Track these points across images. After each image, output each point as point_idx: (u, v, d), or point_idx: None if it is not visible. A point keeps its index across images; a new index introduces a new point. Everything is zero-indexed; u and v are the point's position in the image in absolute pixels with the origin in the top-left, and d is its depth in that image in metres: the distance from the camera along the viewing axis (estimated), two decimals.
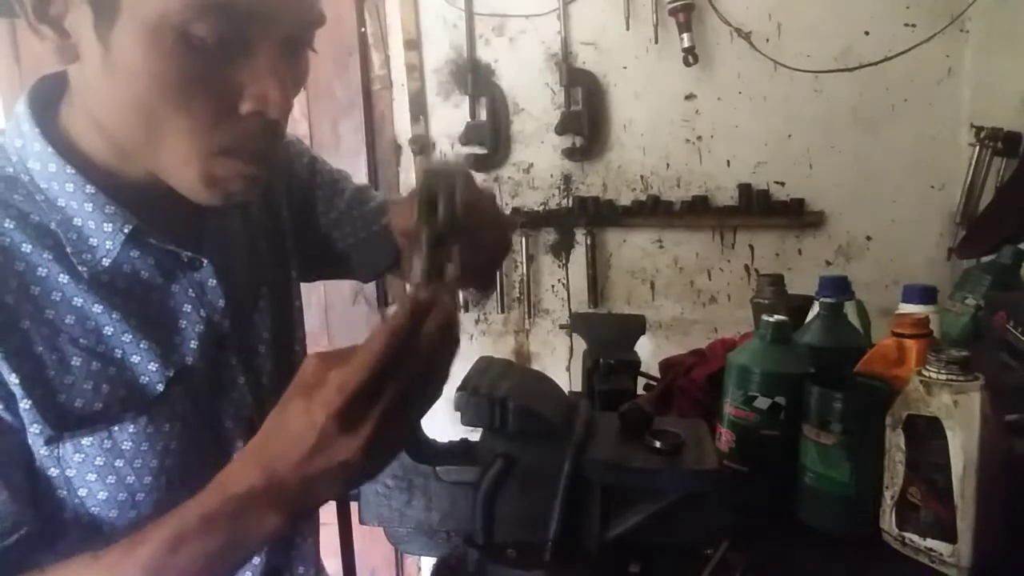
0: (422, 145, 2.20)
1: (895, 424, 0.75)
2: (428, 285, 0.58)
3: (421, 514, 0.70)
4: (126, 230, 0.65)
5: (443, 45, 2.15)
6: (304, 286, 0.92)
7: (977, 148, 1.87)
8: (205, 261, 0.71)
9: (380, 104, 2.23)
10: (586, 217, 2.14)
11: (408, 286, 0.54)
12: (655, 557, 0.67)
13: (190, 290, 0.71)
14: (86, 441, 0.63)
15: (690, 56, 1.96)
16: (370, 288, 2.27)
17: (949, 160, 1.99)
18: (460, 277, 0.60)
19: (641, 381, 1.20)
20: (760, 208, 2.07)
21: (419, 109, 2.19)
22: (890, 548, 0.77)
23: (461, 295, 2.18)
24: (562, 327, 2.24)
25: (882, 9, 1.96)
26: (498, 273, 2.19)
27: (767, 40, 2.01)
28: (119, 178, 0.66)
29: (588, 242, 2.16)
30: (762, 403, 0.84)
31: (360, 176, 2.22)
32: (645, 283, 2.20)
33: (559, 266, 2.22)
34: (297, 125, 2.19)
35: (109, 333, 0.65)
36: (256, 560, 0.78)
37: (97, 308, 0.64)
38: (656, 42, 2.03)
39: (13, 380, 0.59)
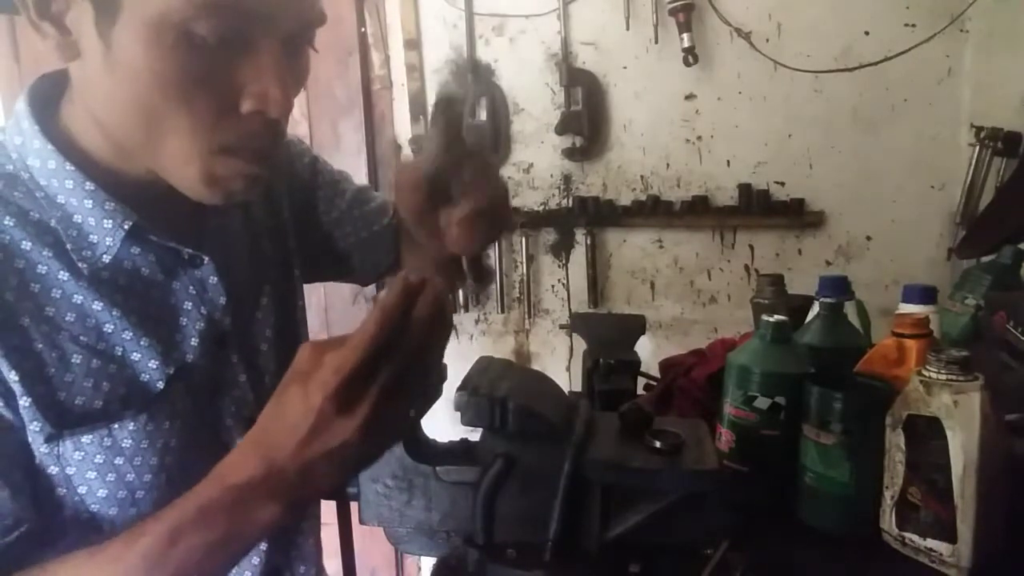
0: (422, 145, 2.19)
1: (895, 424, 0.75)
2: (447, 157, 0.59)
3: (421, 514, 0.70)
4: (126, 226, 0.65)
5: (443, 45, 2.14)
6: (305, 287, 0.92)
7: (977, 148, 1.87)
8: (206, 258, 0.71)
9: (380, 104, 2.23)
10: (586, 217, 2.14)
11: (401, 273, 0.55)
12: (655, 557, 0.67)
13: (191, 287, 0.71)
14: (86, 439, 0.63)
15: (690, 56, 1.96)
16: (370, 288, 2.27)
17: (949, 160, 1.99)
18: (468, 214, 0.60)
19: (641, 381, 1.20)
20: (760, 208, 2.07)
21: (419, 109, 2.19)
22: (890, 548, 0.77)
23: (460, 292, 2.18)
24: (562, 327, 2.24)
25: (882, 9, 1.96)
26: (495, 271, 2.19)
27: (767, 40, 2.01)
28: (119, 175, 0.66)
29: (588, 242, 2.16)
30: (762, 403, 0.84)
31: (360, 176, 2.22)
32: (645, 283, 2.20)
33: (559, 266, 2.22)
34: (297, 125, 2.19)
35: (109, 330, 0.65)
36: (256, 560, 0.78)
37: (97, 305, 0.64)
38: (656, 42, 2.03)
39: (13, 378, 0.59)
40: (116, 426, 0.64)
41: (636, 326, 1.28)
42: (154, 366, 0.67)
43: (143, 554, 0.55)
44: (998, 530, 0.72)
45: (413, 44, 2.15)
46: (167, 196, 0.65)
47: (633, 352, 1.17)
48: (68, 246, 0.63)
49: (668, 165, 2.13)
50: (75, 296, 0.64)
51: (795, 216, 2.08)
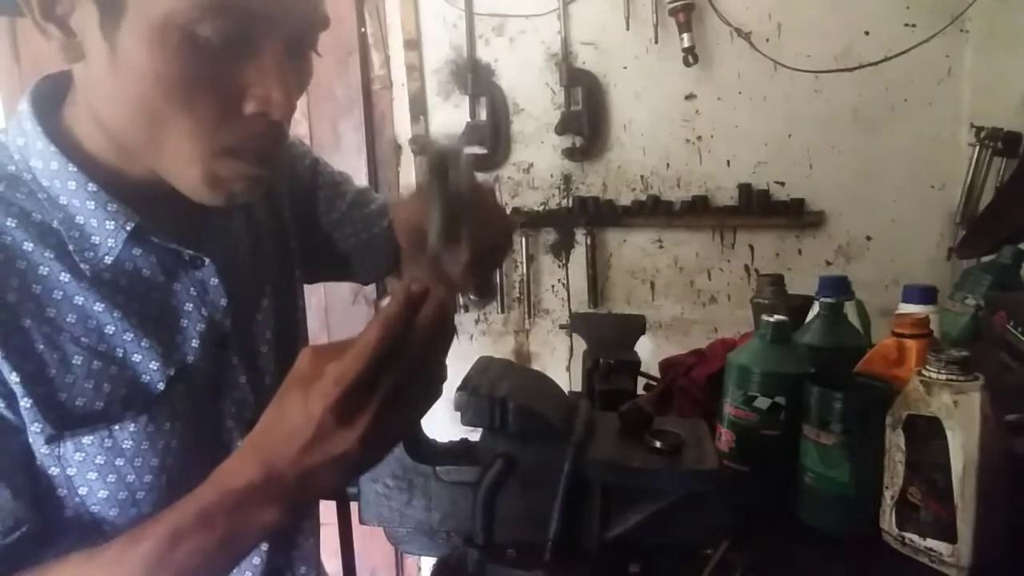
0: (422, 145, 2.20)
1: (895, 424, 0.75)
2: (442, 253, 0.58)
3: (421, 514, 0.70)
4: (128, 228, 0.65)
5: (443, 45, 2.15)
6: (304, 287, 0.92)
7: (977, 148, 1.87)
8: (207, 260, 0.71)
9: (380, 104, 2.23)
10: (586, 217, 2.14)
11: (403, 279, 0.55)
12: (655, 557, 0.67)
13: (192, 289, 0.71)
14: (87, 440, 0.63)
15: (690, 56, 1.96)
16: (370, 288, 2.27)
17: (949, 160, 1.99)
18: (469, 260, 0.60)
19: (641, 381, 1.20)
20: (760, 208, 2.07)
21: (419, 109, 2.19)
22: (890, 548, 0.77)
23: (461, 298, 2.18)
24: (562, 327, 2.24)
25: (882, 9, 1.96)
26: (498, 275, 2.19)
27: (767, 40, 2.01)
28: (122, 177, 0.66)
29: (588, 242, 2.16)
30: (762, 403, 0.84)
31: (360, 176, 2.22)
32: (645, 283, 2.20)
33: (559, 266, 2.22)
34: (297, 125, 2.19)
35: (111, 332, 0.65)
36: (257, 560, 0.78)
37: (99, 307, 0.64)
38: (656, 42, 2.03)
39: (14, 379, 0.59)
40: (117, 427, 0.64)
41: (636, 326, 1.28)
42: (155, 367, 0.67)
43: (143, 557, 0.55)
44: (998, 530, 0.72)
45: (413, 44, 2.15)
46: (169, 197, 0.65)
47: (633, 352, 1.17)
48: (70, 247, 0.64)
49: (668, 165, 2.13)
50: (76, 297, 0.64)
51: (795, 216, 2.08)
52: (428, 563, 1.31)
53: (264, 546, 0.78)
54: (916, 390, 0.73)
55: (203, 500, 0.56)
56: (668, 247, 2.17)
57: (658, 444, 0.66)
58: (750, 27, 2.01)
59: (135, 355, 0.66)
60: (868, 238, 2.09)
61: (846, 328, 1.00)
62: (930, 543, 0.73)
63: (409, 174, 2.25)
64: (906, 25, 1.95)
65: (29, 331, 0.61)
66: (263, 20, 0.57)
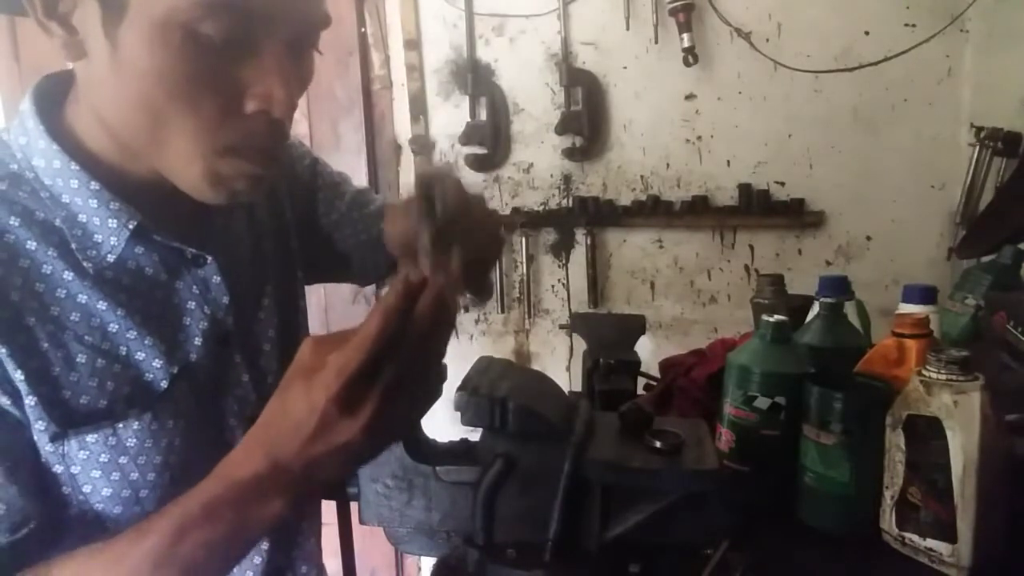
0: (422, 145, 2.20)
1: (895, 424, 0.75)
2: (433, 279, 0.58)
3: (421, 514, 0.70)
4: (131, 226, 0.65)
5: (443, 45, 2.15)
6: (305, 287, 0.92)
7: (977, 148, 1.87)
8: (209, 258, 0.72)
9: (380, 104, 2.23)
10: (586, 217, 2.14)
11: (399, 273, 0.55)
12: (655, 557, 0.67)
13: (194, 287, 0.71)
14: (91, 438, 0.63)
15: (690, 56, 1.97)
16: (370, 288, 2.27)
17: (949, 160, 1.99)
18: (459, 273, 0.60)
19: (641, 381, 1.20)
20: (760, 208, 2.07)
21: (419, 109, 2.19)
22: (890, 548, 0.77)
23: (460, 299, 2.17)
24: (562, 327, 2.24)
25: (882, 9, 1.96)
26: (495, 276, 2.19)
27: (767, 40, 2.01)
28: (124, 175, 0.66)
29: (588, 242, 2.16)
30: (762, 403, 0.84)
31: (360, 176, 2.22)
32: (645, 283, 2.20)
33: (559, 266, 2.22)
34: (297, 125, 2.19)
35: (114, 330, 0.65)
36: (258, 559, 0.78)
37: (102, 305, 0.65)
38: (656, 42, 2.03)
39: (19, 377, 0.60)
40: (121, 425, 0.64)
41: (636, 326, 1.28)
42: (158, 365, 0.67)
43: (149, 551, 0.56)
44: (998, 530, 0.72)
45: (413, 44, 2.15)
46: (171, 196, 0.65)
47: (633, 352, 1.17)
48: (73, 246, 0.64)
49: (668, 165, 2.13)
50: (80, 296, 0.64)
51: (795, 216, 2.08)
52: (428, 563, 1.31)
53: (265, 545, 0.78)
54: (916, 390, 0.73)
55: (209, 493, 0.56)
56: (668, 247, 2.17)
57: (658, 444, 0.66)
58: (750, 27, 2.01)
59: (138, 353, 0.66)
60: (868, 238, 2.09)
61: (846, 328, 1.00)
62: (930, 543, 0.73)
63: (409, 174, 2.25)
64: (906, 25, 1.95)
65: (33, 329, 0.61)
66: (265, 19, 0.57)
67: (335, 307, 2.30)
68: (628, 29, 2.04)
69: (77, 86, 0.66)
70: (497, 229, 0.79)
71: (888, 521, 0.77)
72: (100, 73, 0.60)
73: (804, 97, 2.03)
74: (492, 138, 2.15)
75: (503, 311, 2.26)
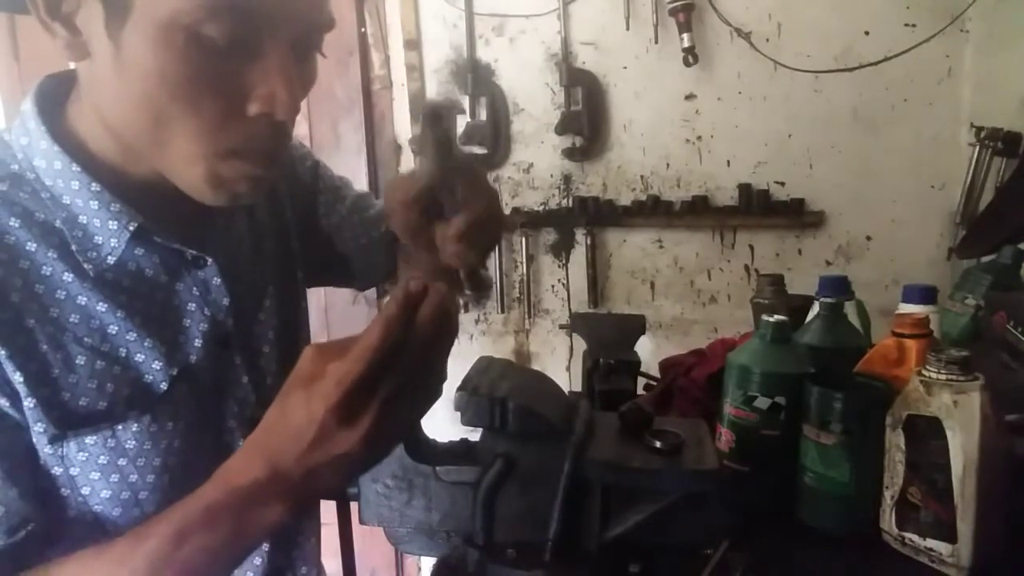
0: (419, 144, 2.19)
1: (895, 424, 0.75)
2: (440, 172, 0.59)
3: (421, 514, 0.70)
4: (131, 228, 0.65)
5: (443, 45, 2.15)
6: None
7: (977, 148, 1.87)
8: (210, 260, 0.71)
9: (380, 104, 2.23)
10: (586, 217, 2.14)
11: (400, 281, 0.55)
12: (655, 557, 0.67)
13: (194, 288, 0.71)
14: (90, 440, 0.63)
15: (690, 56, 1.97)
16: (370, 291, 2.27)
17: (949, 160, 1.99)
18: (467, 222, 0.61)
19: (641, 381, 1.20)
20: (760, 208, 2.07)
21: (419, 109, 2.18)
22: (890, 548, 0.77)
23: (460, 297, 2.18)
24: (562, 327, 2.24)
25: (882, 9, 1.96)
26: (497, 273, 2.19)
27: (767, 40, 2.01)
28: (125, 176, 0.66)
29: (588, 242, 2.16)
30: (762, 403, 0.84)
31: (360, 176, 2.22)
32: (645, 283, 2.20)
33: (559, 266, 2.22)
34: (297, 126, 2.15)
35: (114, 332, 0.65)
36: (258, 560, 0.78)
37: (102, 306, 0.64)
38: (656, 42, 2.03)
39: (18, 379, 0.59)
40: (120, 427, 0.64)
41: (636, 326, 1.28)
42: (158, 367, 0.67)
43: (148, 555, 0.56)
44: (998, 530, 0.72)
45: (413, 44, 2.15)
46: (172, 197, 0.65)
47: (633, 352, 1.17)
48: (73, 247, 0.64)
49: (668, 165, 2.13)
50: (80, 297, 0.64)
51: (795, 216, 2.08)
52: (428, 563, 1.31)
53: (265, 546, 0.78)
54: (916, 390, 0.73)
55: (208, 498, 0.56)
56: (668, 247, 2.17)
57: (658, 444, 0.66)
58: (750, 27, 2.01)
59: (138, 355, 0.66)
60: (868, 238, 2.09)
61: (846, 328, 1.00)
62: (930, 543, 0.73)
63: None
64: (906, 25, 1.95)
65: (33, 331, 0.61)
66: (268, 21, 0.57)
67: (335, 307, 2.30)
68: (628, 29, 2.04)
69: (79, 87, 0.66)
70: (498, 202, 0.78)
71: (888, 521, 0.77)
72: (103, 74, 0.60)
73: (804, 97, 2.03)
74: (492, 138, 2.15)
75: (503, 311, 2.26)
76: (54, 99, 0.67)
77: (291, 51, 0.60)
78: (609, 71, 2.09)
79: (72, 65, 0.65)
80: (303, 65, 0.63)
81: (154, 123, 0.59)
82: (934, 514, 0.72)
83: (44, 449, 0.62)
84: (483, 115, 2.15)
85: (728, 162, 2.10)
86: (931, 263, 2.06)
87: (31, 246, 0.63)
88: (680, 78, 2.05)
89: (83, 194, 0.64)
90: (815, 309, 1.07)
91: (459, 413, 0.64)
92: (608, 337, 1.25)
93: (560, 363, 2.25)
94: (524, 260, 2.21)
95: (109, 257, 0.65)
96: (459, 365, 0.65)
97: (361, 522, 0.72)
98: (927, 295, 1.07)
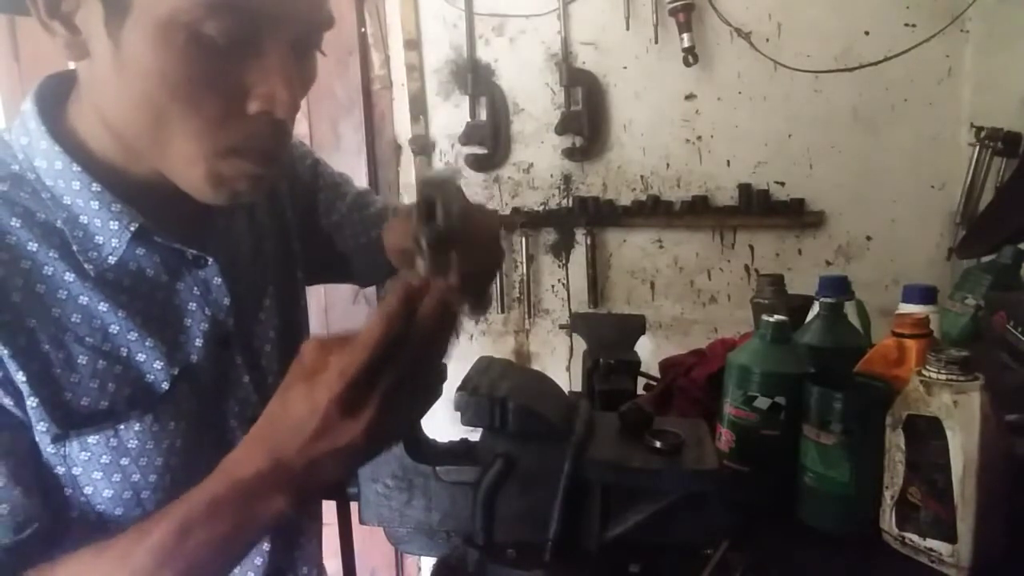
0: (422, 145, 2.20)
1: (895, 424, 0.75)
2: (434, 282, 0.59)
3: (421, 514, 0.70)
4: (132, 228, 0.65)
5: (443, 45, 2.15)
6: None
7: (977, 148, 1.87)
8: (210, 259, 0.72)
9: (380, 104, 2.23)
10: (586, 217, 2.14)
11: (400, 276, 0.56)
12: (655, 557, 0.67)
13: (195, 288, 0.71)
14: (92, 439, 0.63)
15: (690, 56, 1.97)
16: (370, 288, 2.27)
17: (949, 160, 1.99)
18: (460, 282, 0.61)
19: (641, 381, 1.20)
20: (760, 208, 2.07)
21: (419, 109, 2.19)
22: (890, 548, 0.77)
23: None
24: (562, 327, 2.24)
25: (882, 9, 1.96)
26: (494, 284, 2.19)
27: (767, 40, 2.01)
28: (126, 176, 0.66)
29: (588, 242, 2.16)
30: (762, 403, 0.84)
31: (360, 176, 2.22)
32: (645, 283, 2.20)
33: (559, 266, 2.22)
34: (297, 125, 2.15)
35: (115, 331, 0.65)
36: (259, 560, 0.78)
37: (103, 306, 0.65)
38: (656, 42, 2.03)
39: (20, 378, 0.60)
40: (122, 427, 0.64)
41: (636, 326, 1.28)
42: (159, 367, 0.67)
43: (152, 549, 0.56)
44: (998, 530, 0.72)
45: (413, 44, 2.15)
46: (172, 197, 0.65)
47: (633, 352, 1.17)
48: (74, 247, 0.64)
49: (668, 165, 2.13)
50: (81, 297, 0.64)
51: (795, 216, 2.08)
52: (428, 563, 1.31)
53: (266, 546, 0.78)
54: (916, 390, 0.73)
55: (211, 491, 0.56)
56: (668, 247, 2.17)
57: (658, 444, 0.66)
58: (750, 27, 2.01)
59: (139, 354, 0.66)
60: (868, 238, 2.09)
61: (846, 328, 1.00)
62: (930, 543, 0.73)
63: (409, 174, 2.25)
64: (906, 25, 1.95)
65: (34, 331, 0.61)
66: (268, 19, 0.57)
67: (335, 307, 2.30)
68: (628, 29, 2.04)
69: (79, 86, 0.66)
70: (498, 240, 0.79)
71: (888, 521, 0.77)
72: (103, 73, 0.60)
73: (804, 97, 2.03)
74: (492, 138, 2.15)
75: (503, 311, 2.26)
76: (54, 99, 0.67)
77: (291, 50, 0.60)
78: (609, 71, 2.09)
79: (72, 65, 0.65)
80: (303, 64, 0.63)
81: (154, 122, 0.59)
82: (934, 514, 0.72)
83: (47, 448, 0.62)
84: (483, 115, 2.15)
85: (728, 162, 2.10)
86: (931, 263, 2.06)
87: (32, 246, 0.63)
88: (680, 78, 2.05)
89: (84, 194, 0.64)
90: (815, 309, 1.07)
91: (459, 413, 0.65)
92: (608, 337, 1.25)
93: (560, 363, 2.25)
94: (524, 260, 2.21)
95: (110, 257, 0.65)
96: (459, 365, 0.65)
97: (361, 522, 0.73)
98: (927, 295, 1.07)
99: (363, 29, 2.18)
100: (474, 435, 0.70)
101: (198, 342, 0.70)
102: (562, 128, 2.12)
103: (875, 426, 0.77)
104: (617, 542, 0.66)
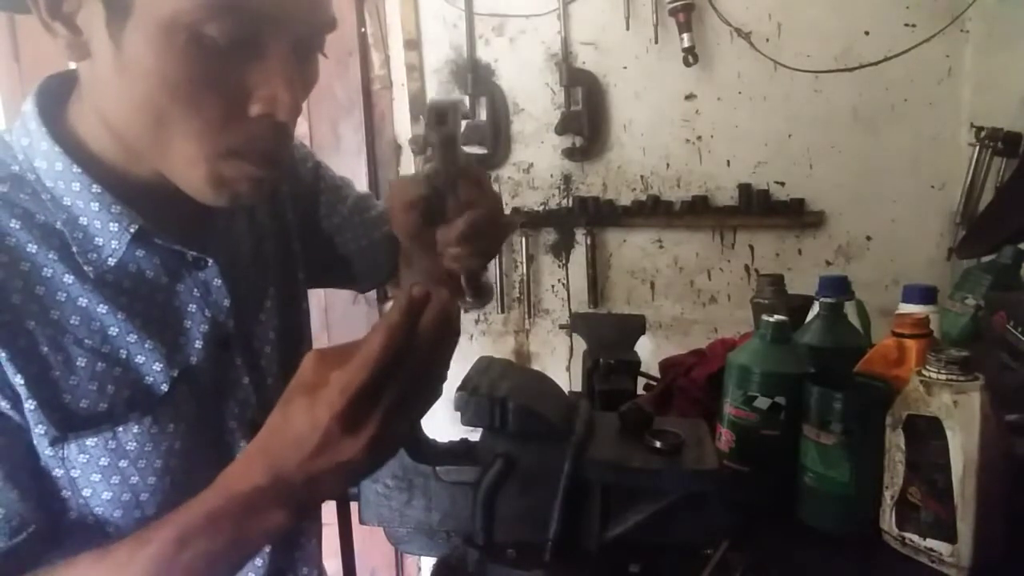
0: (422, 145, 2.19)
1: (895, 424, 0.75)
2: (443, 172, 0.59)
3: (421, 514, 0.70)
4: (132, 229, 0.65)
5: (443, 45, 2.15)
6: None
7: (977, 148, 1.87)
8: (210, 261, 0.71)
9: (380, 104, 2.23)
10: (586, 217, 2.14)
11: (402, 284, 0.56)
12: (655, 557, 0.67)
13: (195, 290, 0.71)
14: (91, 442, 0.63)
15: (690, 56, 1.97)
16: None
17: (949, 160, 1.99)
18: (470, 222, 0.61)
19: (641, 381, 1.20)
20: (760, 208, 2.07)
21: (419, 109, 2.18)
22: (890, 548, 0.77)
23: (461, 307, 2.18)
24: (562, 327, 2.24)
25: (882, 9, 1.96)
26: (497, 275, 2.19)
27: (767, 40, 2.01)
28: (126, 177, 0.66)
29: (588, 242, 2.16)
30: (762, 403, 0.84)
31: (360, 176, 2.22)
32: (645, 283, 2.20)
33: (559, 266, 2.22)
34: (297, 126, 2.18)
35: (114, 333, 0.65)
36: (259, 561, 0.78)
37: (102, 308, 0.64)
38: (656, 42, 2.03)
39: (18, 381, 0.59)
40: (121, 429, 0.64)
41: (636, 326, 1.29)
42: (158, 369, 0.67)
43: (150, 559, 0.55)
44: (998, 530, 0.72)
45: (413, 44, 2.15)
46: (173, 198, 0.65)
47: (633, 352, 1.17)
48: (74, 249, 0.63)
49: (668, 165, 2.13)
50: (80, 299, 0.64)
51: (795, 216, 2.08)
52: (428, 563, 1.31)
53: (267, 547, 0.78)
54: (916, 390, 0.73)
55: (210, 504, 0.56)
56: (668, 247, 2.17)
57: (658, 444, 0.66)
58: (750, 27, 2.01)
59: (139, 356, 0.66)
60: (868, 238, 2.09)
61: (846, 328, 1.00)
62: (930, 543, 0.73)
63: (409, 174, 2.25)
64: (906, 25, 1.95)
65: (33, 333, 0.61)
66: (270, 21, 0.57)
67: (335, 308, 2.30)
68: (628, 29, 2.04)
69: (80, 87, 0.66)
70: (500, 205, 0.77)
71: (888, 521, 0.77)
72: (104, 74, 0.59)
73: (804, 97, 2.03)
74: (492, 138, 2.15)
75: (503, 311, 2.26)
76: (55, 100, 0.67)
77: (292, 52, 0.60)
78: (609, 71, 2.09)
79: (73, 65, 0.65)
80: (304, 66, 0.63)
81: (155, 123, 0.59)
82: (934, 514, 0.72)
83: (45, 451, 0.62)
84: (483, 115, 2.15)
85: (728, 162, 2.10)
86: (931, 263, 2.06)
87: (32, 248, 0.62)
88: (680, 78, 2.05)
89: (84, 196, 0.64)
90: (815, 309, 1.07)
91: (459, 413, 0.65)
92: (608, 337, 1.26)
93: (560, 363, 2.25)
94: (524, 260, 2.21)
95: (110, 259, 0.65)
96: (459, 365, 0.65)
97: (361, 522, 0.73)
98: (927, 295, 1.07)
99: (363, 29, 2.18)
100: (474, 435, 0.70)
101: (198, 344, 0.70)
102: (562, 128, 2.12)
103: (875, 426, 0.77)
104: (617, 542, 0.66)
